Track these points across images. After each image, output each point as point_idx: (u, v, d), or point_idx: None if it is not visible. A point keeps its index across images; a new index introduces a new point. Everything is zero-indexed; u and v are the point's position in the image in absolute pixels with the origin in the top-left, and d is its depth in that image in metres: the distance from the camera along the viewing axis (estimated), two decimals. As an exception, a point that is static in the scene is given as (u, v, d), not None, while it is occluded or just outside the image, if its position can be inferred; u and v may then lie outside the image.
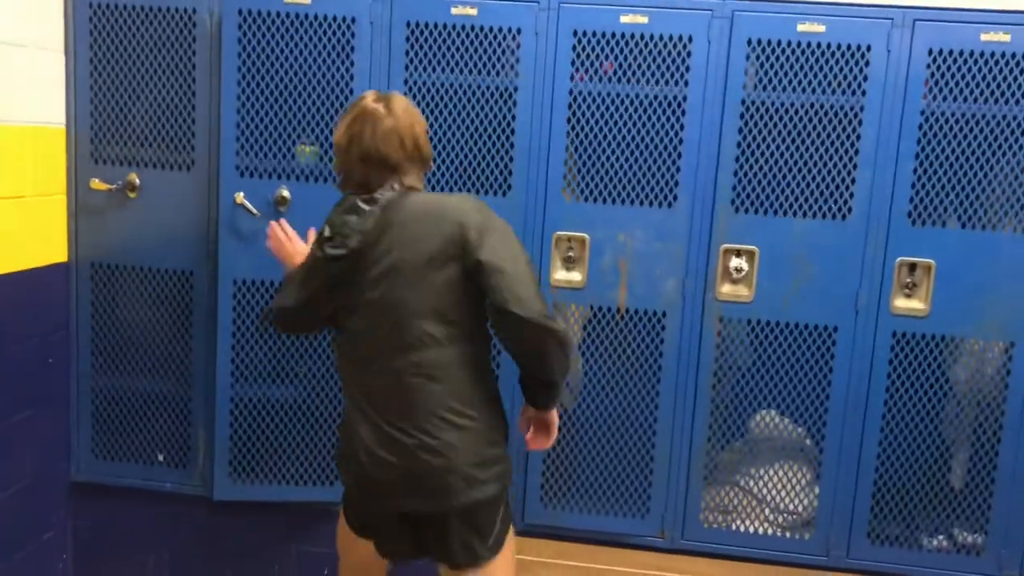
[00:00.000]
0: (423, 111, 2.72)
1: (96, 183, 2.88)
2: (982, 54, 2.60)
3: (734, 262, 2.75)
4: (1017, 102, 2.61)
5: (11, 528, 2.77)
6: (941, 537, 2.83)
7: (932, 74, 2.63)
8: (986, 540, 2.79)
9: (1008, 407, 2.72)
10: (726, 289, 2.77)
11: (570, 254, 2.81)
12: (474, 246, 1.97)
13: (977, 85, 2.61)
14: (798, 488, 2.86)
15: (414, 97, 2.75)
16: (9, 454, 2.73)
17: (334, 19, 2.74)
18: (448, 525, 2.08)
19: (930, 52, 2.61)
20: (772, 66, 2.67)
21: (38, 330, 2.81)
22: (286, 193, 2.81)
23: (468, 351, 2.06)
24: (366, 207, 2.05)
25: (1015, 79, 2.60)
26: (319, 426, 2.94)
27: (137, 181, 2.88)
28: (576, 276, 2.82)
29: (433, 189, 2.79)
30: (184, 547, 3.07)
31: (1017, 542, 2.77)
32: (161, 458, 2.99)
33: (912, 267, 2.70)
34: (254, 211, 2.81)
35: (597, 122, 2.75)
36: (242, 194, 2.81)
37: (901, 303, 2.72)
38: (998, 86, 2.61)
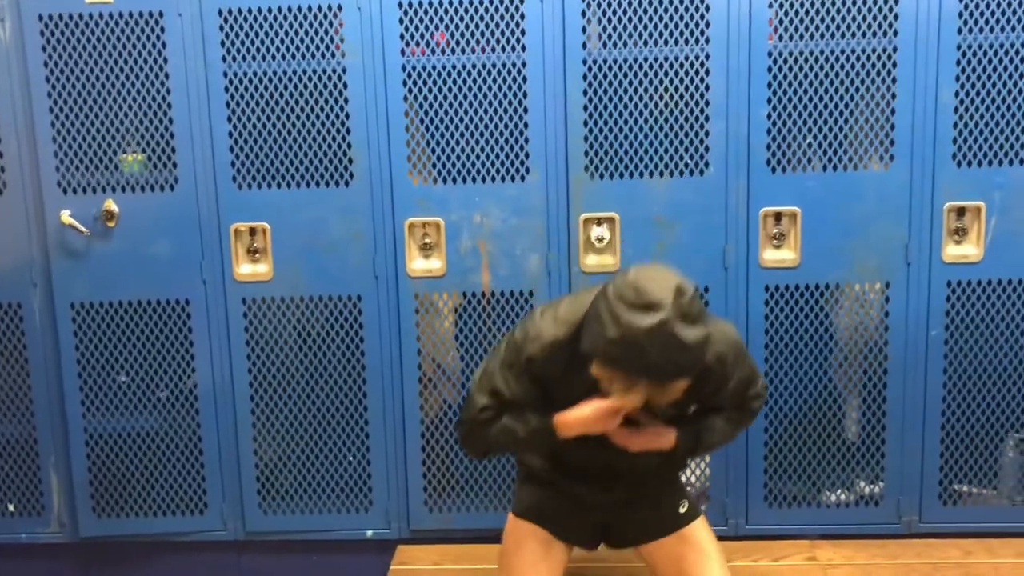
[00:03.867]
0: (245, 105, 2.56)
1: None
2: (824, -12, 2.49)
3: (595, 231, 2.62)
4: (874, 34, 2.50)
5: None
6: (840, 491, 2.75)
7: (776, 13, 2.51)
8: (884, 488, 2.71)
9: (891, 350, 2.64)
10: (591, 260, 2.64)
11: (426, 241, 2.66)
12: None
13: (823, 20, 2.50)
14: (694, 461, 2.74)
15: (236, 91, 2.57)
16: None
17: (140, 15, 2.55)
18: None
19: (771, -9, 2.49)
20: (616, 22, 2.53)
21: None
22: (114, 207, 2.62)
23: None
24: None
25: (868, 12, 2.48)
26: (182, 454, 2.77)
27: (-54, 212, 2.67)
28: (436, 264, 2.67)
29: (270, 187, 2.62)
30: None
31: (913, 486, 2.69)
32: (11, 508, 2.78)
33: (778, 217, 2.60)
34: (82, 229, 2.62)
35: (436, 98, 2.59)
36: (67, 212, 2.62)
37: (770, 255, 2.61)
38: (853, 19, 2.49)
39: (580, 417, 1.93)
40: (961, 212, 2.56)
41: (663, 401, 1.84)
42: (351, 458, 2.77)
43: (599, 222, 2.61)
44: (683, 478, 2.40)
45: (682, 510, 2.20)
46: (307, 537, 2.81)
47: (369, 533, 2.79)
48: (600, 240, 2.62)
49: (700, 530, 2.21)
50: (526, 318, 2.01)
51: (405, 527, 2.78)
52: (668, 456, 2.07)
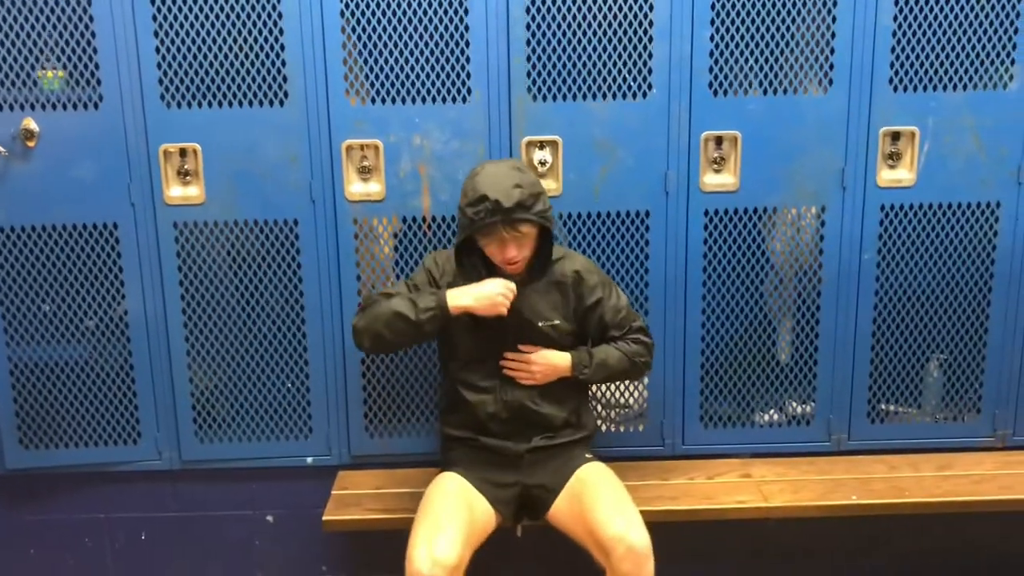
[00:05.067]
0: (173, 19, 2.45)
1: None
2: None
3: (537, 155, 2.59)
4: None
5: None
6: (772, 411, 2.82)
7: (720, -67, 2.48)
8: (815, 408, 2.79)
9: (824, 273, 2.69)
10: (533, 184, 2.61)
11: (365, 164, 2.59)
12: None
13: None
14: (633, 383, 2.77)
15: (164, 19, 2.45)
16: None
17: (56, -81, 2.39)
18: None
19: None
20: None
21: None
22: (33, 126, 2.49)
23: None
24: None
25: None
26: (112, 383, 2.69)
27: None
28: (375, 187, 2.61)
29: (200, 106, 2.52)
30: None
31: (843, 406, 2.78)
32: (-67, 439, 2.69)
33: (719, 140, 2.60)
34: (1, 149, 2.49)
35: (375, 13, 2.50)
36: (-18, 132, 2.47)
37: (711, 179, 2.62)
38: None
39: (469, 290, 2.29)
40: (896, 137, 2.60)
41: (523, 250, 2.27)
42: (290, 385, 2.74)
43: (541, 145, 2.58)
44: (591, 431, 2.55)
45: (587, 456, 2.44)
46: (246, 465, 2.77)
47: (309, 460, 2.78)
48: (542, 164, 2.59)
49: (598, 468, 2.41)
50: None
51: (346, 453, 2.77)
52: (571, 381, 2.41)
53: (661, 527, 2.22)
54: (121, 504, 2.81)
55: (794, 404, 2.81)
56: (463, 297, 2.28)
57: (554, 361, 2.38)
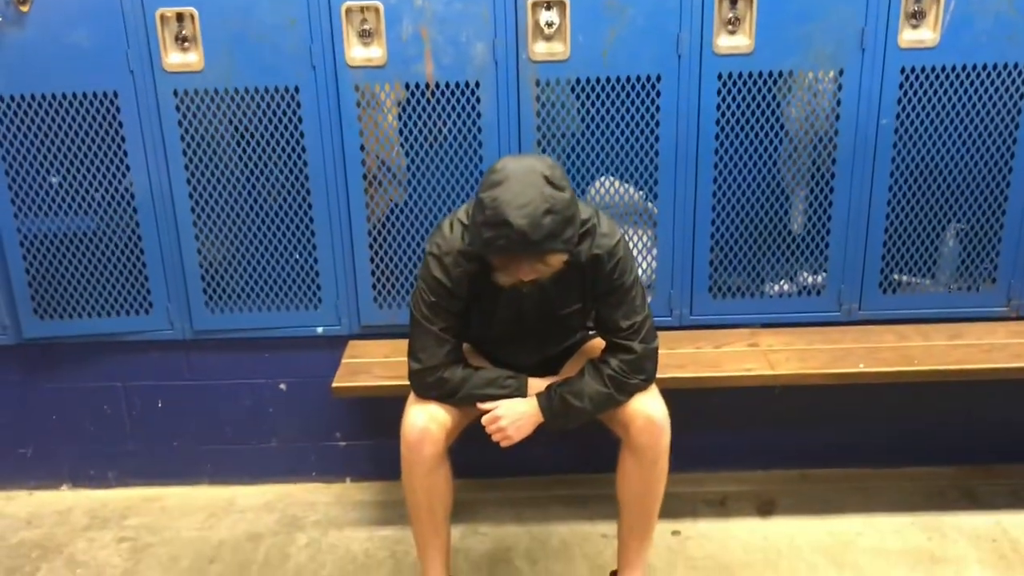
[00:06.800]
0: None
1: None
2: None
3: (544, 16, 2.50)
4: None
5: None
6: (783, 282, 2.79)
7: None
8: (826, 279, 2.75)
9: (840, 140, 2.62)
10: (540, 48, 2.53)
11: (365, 27, 2.52)
12: None
13: None
14: (642, 253, 2.75)
15: None
16: None
17: None
18: None
19: None
20: None
21: None
22: (26, -12, 2.43)
23: None
24: None
25: None
26: (122, 254, 2.71)
27: None
28: (376, 52, 2.54)
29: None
30: None
31: (855, 276, 2.74)
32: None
33: (733, 0, 2.49)
34: (-7, 15, 2.44)
35: None
36: (-25, -4, 2.41)
37: (725, 41, 2.52)
38: None
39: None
40: (920, -7, 2.48)
41: (548, 273, 1.94)
42: (298, 256, 2.74)
43: (548, 5, 2.49)
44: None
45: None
46: (257, 335, 2.81)
47: (319, 329, 2.80)
48: (549, 25, 2.50)
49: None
50: (435, 231, 2.11)
51: (355, 323, 2.79)
52: (572, 319, 2.24)
53: (666, 396, 2.23)
54: (137, 373, 2.87)
55: (805, 274, 2.78)
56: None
57: (520, 410, 2.14)
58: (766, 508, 2.81)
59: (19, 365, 2.85)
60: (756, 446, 2.96)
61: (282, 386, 2.89)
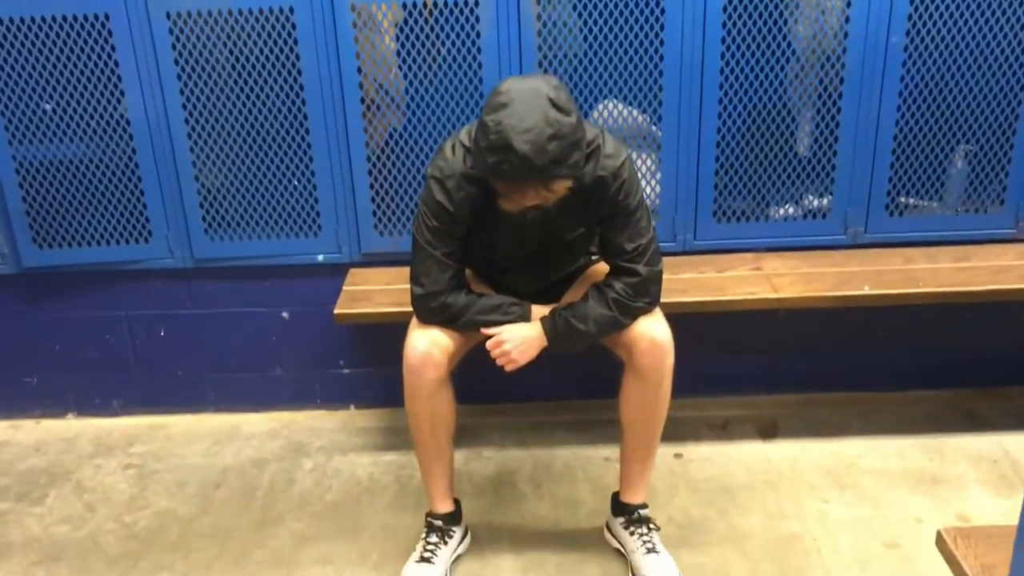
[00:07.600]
0: None
1: None
2: None
3: (545, -70, 2.42)
4: None
5: None
6: (788, 205, 2.76)
7: None
8: (831, 201, 2.72)
9: (848, 60, 2.56)
10: (540, -36, 2.46)
11: (361, -56, 2.44)
12: None
13: None
14: (646, 177, 2.71)
15: None
16: None
17: None
18: None
19: None
20: None
21: None
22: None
23: None
24: None
25: None
26: (120, 182, 2.68)
27: None
28: (372, -30, 2.47)
29: None
30: None
31: (861, 199, 2.71)
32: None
33: (740, -88, 2.41)
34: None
35: None
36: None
37: (731, -44, 2.45)
38: None
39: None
40: (935, -98, 2.39)
41: (552, 199, 1.91)
42: (296, 183, 2.71)
43: (548, -80, 2.41)
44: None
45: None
46: (258, 263, 2.79)
47: (320, 257, 2.78)
48: (549, -60, 2.43)
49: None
50: (437, 154, 2.05)
51: (356, 251, 2.77)
52: (575, 245, 2.21)
53: (670, 321, 2.21)
54: (139, 302, 2.86)
55: (811, 198, 2.75)
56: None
57: (524, 334, 2.11)
58: (768, 431, 2.82)
59: (21, 294, 2.85)
60: (759, 370, 2.96)
61: (284, 315, 2.89)
